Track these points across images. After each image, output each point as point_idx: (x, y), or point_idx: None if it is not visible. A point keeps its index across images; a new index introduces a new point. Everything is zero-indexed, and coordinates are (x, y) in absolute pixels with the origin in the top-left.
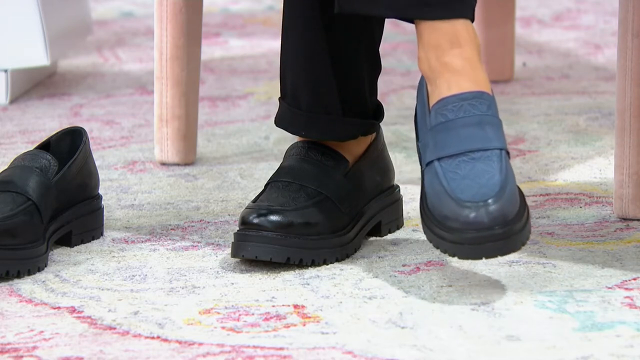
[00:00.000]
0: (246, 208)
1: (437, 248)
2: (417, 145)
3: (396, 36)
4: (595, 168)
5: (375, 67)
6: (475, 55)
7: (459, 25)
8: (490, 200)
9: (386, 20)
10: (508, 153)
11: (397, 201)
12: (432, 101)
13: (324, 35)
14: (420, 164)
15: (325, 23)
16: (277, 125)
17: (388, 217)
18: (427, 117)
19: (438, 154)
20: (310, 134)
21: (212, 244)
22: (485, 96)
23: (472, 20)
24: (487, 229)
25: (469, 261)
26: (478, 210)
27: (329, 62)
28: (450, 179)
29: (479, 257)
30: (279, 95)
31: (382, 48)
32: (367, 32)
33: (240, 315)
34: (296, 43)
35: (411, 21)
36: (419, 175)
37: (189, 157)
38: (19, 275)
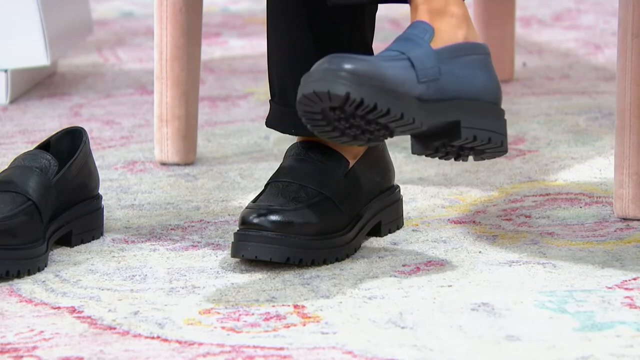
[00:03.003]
0: (246, 208)
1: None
2: None
3: (396, 36)
4: (595, 168)
5: None
6: (454, 19)
7: (451, 2)
8: (341, 56)
9: (385, 20)
10: (412, 63)
11: (397, 201)
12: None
13: (309, 32)
14: None
15: (309, 19)
16: (267, 126)
17: (388, 217)
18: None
19: None
20: (300, 131)
21: (212, 244)
22: (423, 25)
23: None
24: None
25: (467, 260)
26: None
27: (315, 57)
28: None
29: (308, 90)
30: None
31: (382, 48)
32: (357, 27)
33: (240, 315)
34: (280, 41)
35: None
36: (419, 175)
37: (189, 157)
38: (19, 275)
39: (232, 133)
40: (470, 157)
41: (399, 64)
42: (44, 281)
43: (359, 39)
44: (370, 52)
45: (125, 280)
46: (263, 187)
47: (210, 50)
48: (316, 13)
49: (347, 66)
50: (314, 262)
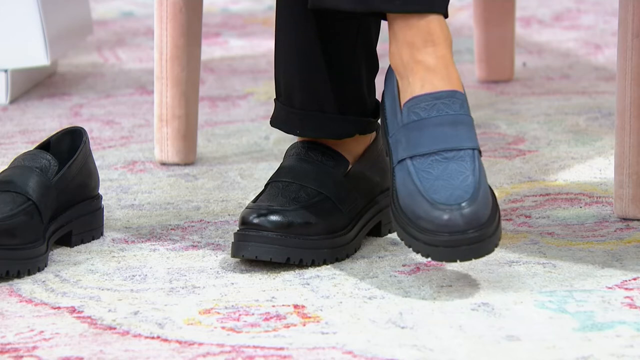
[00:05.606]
0: (246, 208)
1: (410, 247)
2: (387, 140)
3: None
4: (595, 168)
5: (372, 65)
6: (448, 54)
7: (434, 22)
8: (464, 204)
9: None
10: (480, 152)
11: None
12: (404, 97)
13: (316, 33)
14: (390, 159)
15: (317, 20)
16: (272, 125)
17: (388, 217)
18: (398, 113)
19: (410, 152)
20: (305, 132)
21: (212, 244)
22: (458, 95)
23: (446, 17)
24: (461, 232)
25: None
26: (452, 213)
27: (321, 59)
28: (423, 179)
29: (453, 260)
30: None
31: (383, 48)
32: (363, 30)
33: (240, 315)
34: (288, 41)
35: (384, 17)
36: None
37: (189, 157)
38: (19, 275)
39: (232, 133)
40: None
41: (483, 169)
42: (44, 281)
43: (364, 41)
44: (374, 54)
45: (125, 280)
46: (263, 187)
47: (210, 50)
48: (324, 15)
49: (473, 217)
50: (314, 262)
